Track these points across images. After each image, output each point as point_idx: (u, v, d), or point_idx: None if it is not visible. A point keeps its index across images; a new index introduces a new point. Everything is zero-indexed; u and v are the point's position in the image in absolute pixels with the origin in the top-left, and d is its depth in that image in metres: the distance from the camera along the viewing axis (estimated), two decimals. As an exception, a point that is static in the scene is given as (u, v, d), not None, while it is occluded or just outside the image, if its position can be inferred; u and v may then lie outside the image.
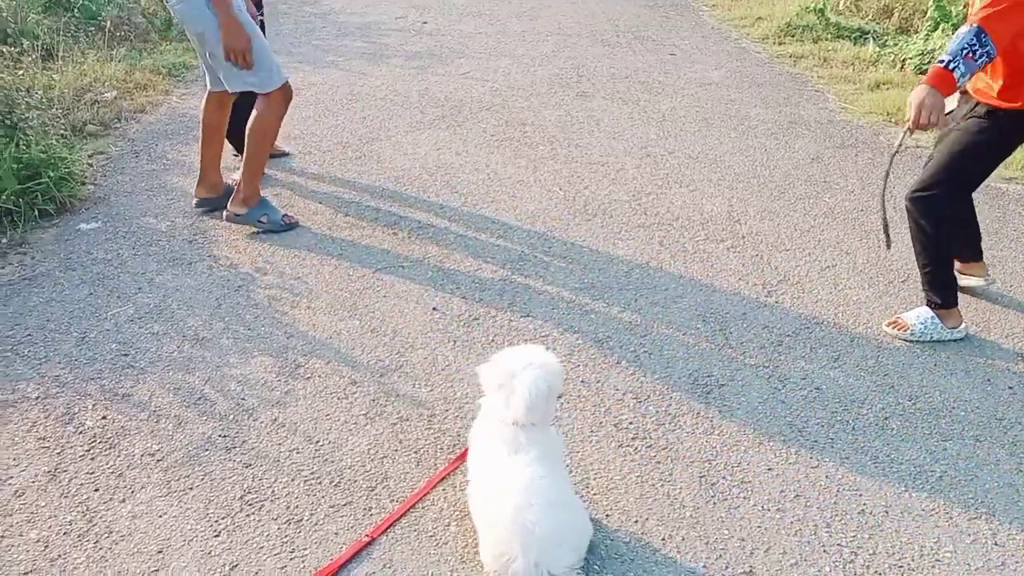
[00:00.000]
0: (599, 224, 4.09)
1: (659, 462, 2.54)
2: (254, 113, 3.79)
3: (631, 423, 2.71)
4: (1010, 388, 2.95)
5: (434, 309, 3.35)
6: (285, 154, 4.75)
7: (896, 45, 6.82)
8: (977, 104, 3.01)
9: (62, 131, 4.65)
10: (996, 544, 2.28)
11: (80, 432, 2.63)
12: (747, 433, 2.67)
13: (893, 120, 5.53)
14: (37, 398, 2.78)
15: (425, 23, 7.56)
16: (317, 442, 2.60)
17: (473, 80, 6.11)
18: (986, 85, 2.94)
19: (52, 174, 4.04)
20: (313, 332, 3.18)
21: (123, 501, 2.36)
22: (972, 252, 3.49)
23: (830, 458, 2.57)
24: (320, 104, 5.55)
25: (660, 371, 2.98)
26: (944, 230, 3.12)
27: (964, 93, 3.11)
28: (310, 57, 6.50)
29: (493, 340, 3.15)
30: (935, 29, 6.56)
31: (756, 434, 2.67)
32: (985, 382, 2.98)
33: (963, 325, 3.22)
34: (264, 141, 3.86)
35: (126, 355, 3.02)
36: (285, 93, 3.82)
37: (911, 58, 6.45)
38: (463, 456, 2.41)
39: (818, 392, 2.88)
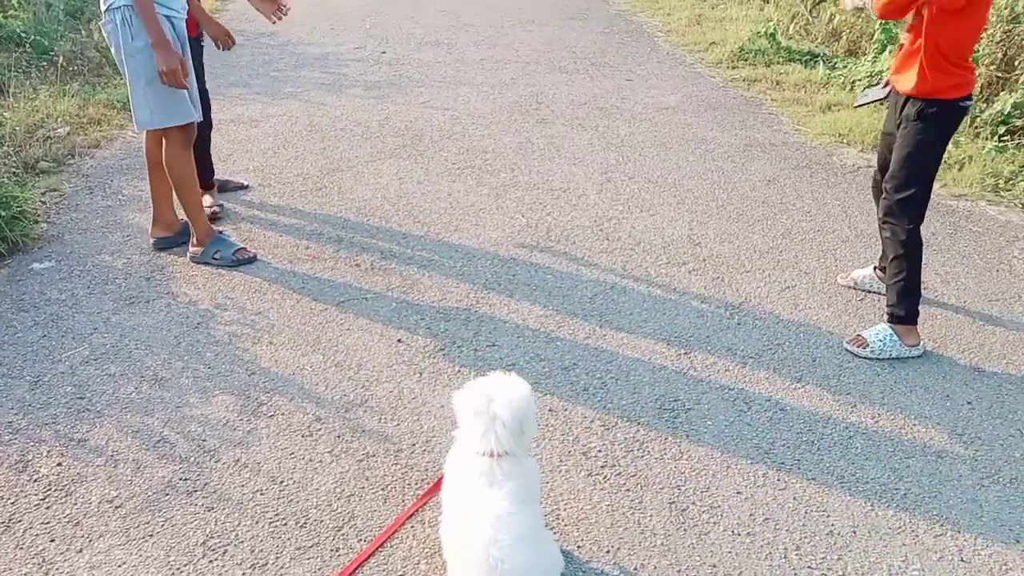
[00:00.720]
0: (562, 250, 4.11)
1: (628, 490, 2.53)
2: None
3: (599, 451, 2.71)
4: (968, 403, 3.01)
5: (399, 341, 3.33)
6: (243, 186, 4.70)
7: (845, 67, 6.99)
8: (908, 101, 3.13)
9: (14, 169, 4.56)
10: (962, 560, 2.31)
11: (35, 480, 2.55)
12: (715, 457, 2.68)
13: (845, 141, 5.66)
14: (-12, 446, 2.69)
15: (384, 52, 7.57)
16: (281, 482, 2.55)
17: (433, 109, 6.13)
18: (917, 82, 3.05)
19: (3, 213, 3.95)
20: (275, 368, 3.13)
21: (80, 551, 2.28)
22: None
23: (797, 479, 2.59)
24: (279, 135, 5.52)
25: (627, 397, 2.98)
26: (918, 233, 3.21)
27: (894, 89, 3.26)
28: (268, 88, 6.47)
29: (459, 371, 3.13)
30: (882, 51, 6.74)
31: (724, 458, 2.68)
32: (944, 398, 3.03)
33: (921, 343, 3.28)
34: (180, 180, 3.76)
35: (82, 398, 2.94)
36: (187, 132, 3.72)
37: (860, 80, 6.62)
38: (432, 490, 2.38)
39: (783, 413, 2.91)
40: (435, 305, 3.60)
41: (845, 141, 5.67)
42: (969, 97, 3.09)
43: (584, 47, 7.92)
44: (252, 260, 3.92)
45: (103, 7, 3.55)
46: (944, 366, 3.23)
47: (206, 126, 4.21)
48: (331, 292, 3.69)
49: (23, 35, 6.48)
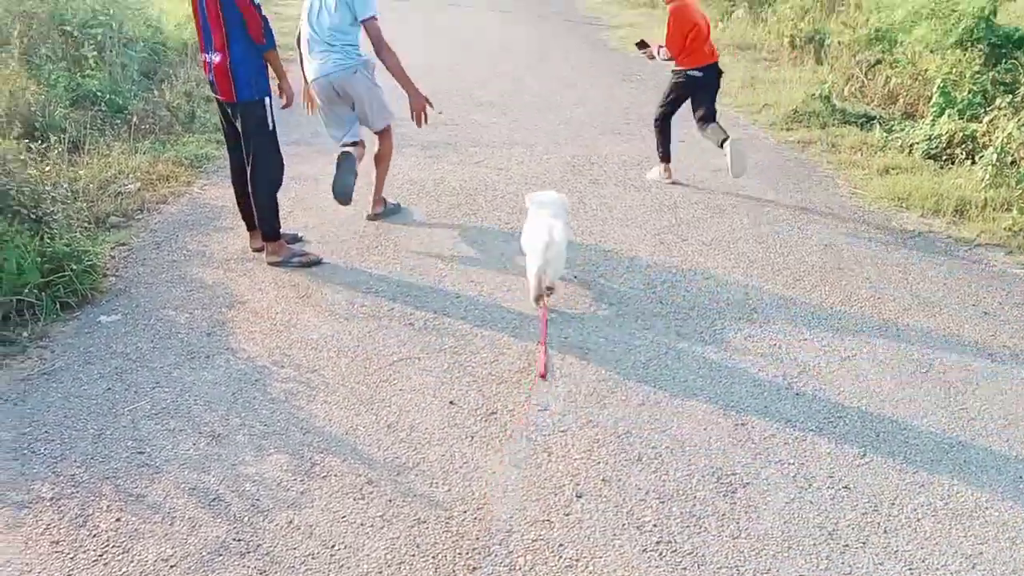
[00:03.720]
0: (615, 313, 4.09)
1: (685, 568, 2.47)
2: (378, 144, 5.23)
3: (654, 525, 2.65)
4: (1043, 485, 2.88)
5: (451, 403, 3.33)
6: (297, 238, 4.85)
7: (903, 130, 6.92)
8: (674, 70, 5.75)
9: (86, 223, 4.74)
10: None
11: (94, 535, 2.59)
12: (775, 537, 2.60)
13: (904, 205, 5.57)
14: (51, 499, 2.75)
15: (440, 113, 7.73)
16: (333, 546, 2.55)
17: (488, 169, 6.23)
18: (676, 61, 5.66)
19: (75, 267, 4.09)
20: (329, 428, 3.16)
21: (135, 611, 2.30)
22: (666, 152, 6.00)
23: (863, 564, 2.49)
24: (337, 193, 5.65)
25: (683, 468, 2.93)
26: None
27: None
28: (328, 146, 6.63)
29: (511, 436, 3.11)
30: (940, 114, 6.67)
31: (785, 537, 2.59)
32: (1017, 479, 2.90)
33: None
34: (388, 161, 5.29)
35: (142, 452, 3.00)
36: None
37: (919, 143, 6.54)
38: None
39: (846, 491, 2.82)
40: (488, 366, 3.60)
41: (904, 205, 5.58)
42: (697, 68, 5.73)
43: (637, 109, 7.99)
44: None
45: (343, 64, 4.78)
46: (1017, 445, 3.10)
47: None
48: (385, 350, 3.72)
49: (99, 94, 6.79)
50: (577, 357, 3.67)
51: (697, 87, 5.73)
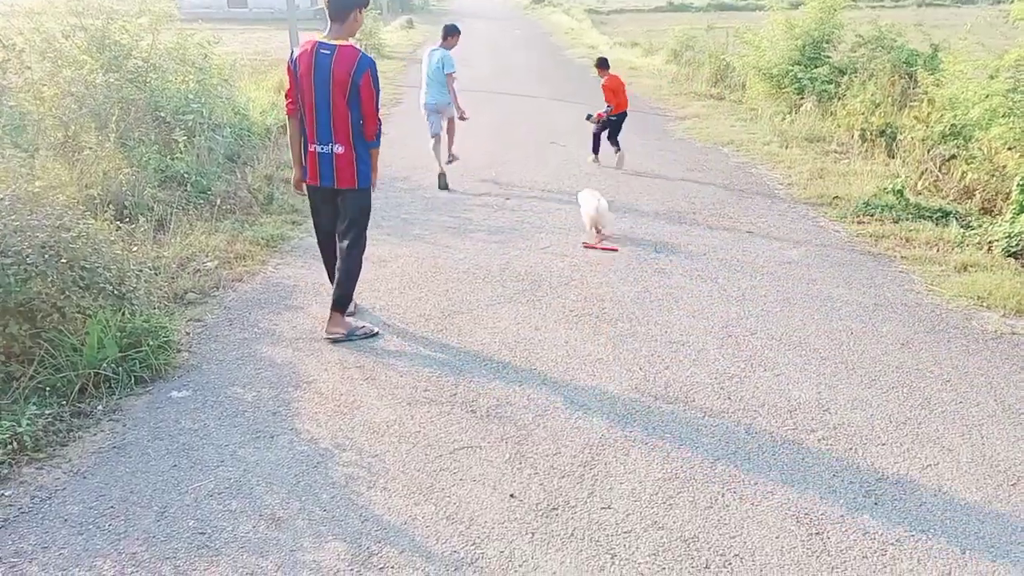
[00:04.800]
0: (681, 408, 3.99)
1: None
2: (447, 127, 8.53)
3: (723, 640, 2.50)
4: None
5: (511, 496, 3.26)
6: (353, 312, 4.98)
7: (980, 226, 6.74)
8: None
9: (165, 299, 4.92)
10: None
11: (150, 618, 2.58)
12: (854, 661, 2.43)
13: (985, 304, 5.37)
14: (112, 577, 2.76)
15: (507, 199, 7.90)
16: (388, 644, 2.48)
17: (553, 255, 6.27)
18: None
19: (152, 342, 4.23)
20: (388, 516, 3.12)
21: None
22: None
23: None
24: (405, 276, 5.76)
25: (753, 579, 2.78)
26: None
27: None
28: (398, 230, 6.82)
29: (573, 534, 3.02)
30: (1021, 212, 6.47)
31: (864, 663, 2.42)
32: (1124, 611, 2.67)
33: None
34: (453, 132, 8.57)
35: (203, 533, 3.01)
36: None
37: (998, 240, 6.35)
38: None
39: (932, 615, 2.63)
40: (549, 458, 3.54)
41: (985, 304, 5.38)
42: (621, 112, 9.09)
43: (703, 199, 8.00)
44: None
45: (435, 103, 8.21)
46: (1120, 572, 2.86)
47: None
48: (446, 438, 3.69)
49: (186, 175, 7.15)
50: (642, 454, 3.58)
51: (618, 122, 9.27)
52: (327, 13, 4.30)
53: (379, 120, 4.49)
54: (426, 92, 8.15)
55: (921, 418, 3.91)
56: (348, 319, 4.78)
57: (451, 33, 8.11)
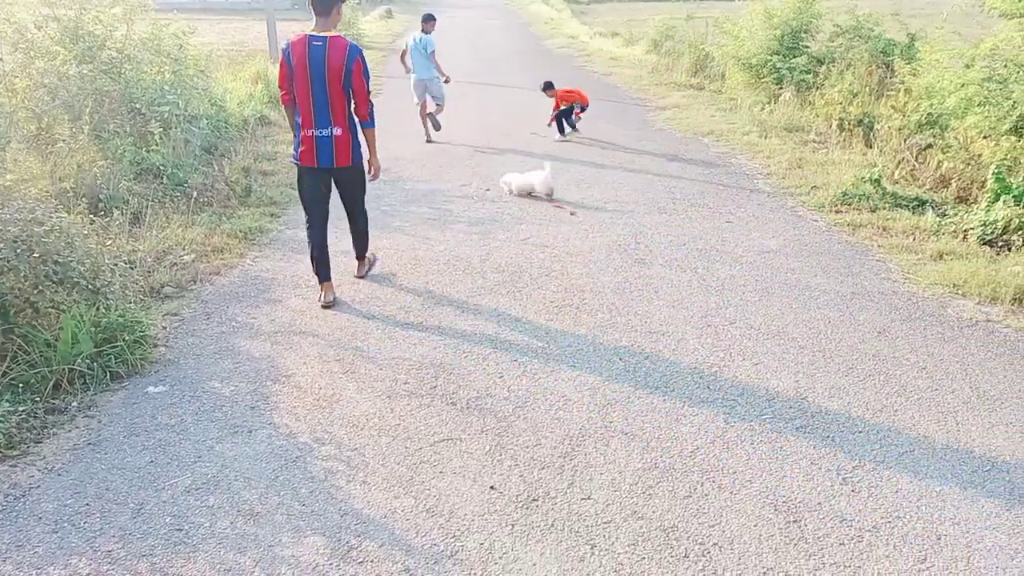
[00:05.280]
0: (660, 398, 4.01)
1: None
2: (430, 106, 9.87)
3: (702, 629, 2.52)
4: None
5: (491, 488, 3.26)
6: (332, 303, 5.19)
7: (956, 215, 6.80)
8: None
9: (141, 293, 4.86)
10: None
11: (127, 615, 2.56)
12: (831, 647, 2.45)
13: (960, 292, 5.43)
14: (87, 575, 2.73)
15: (488, 190, 7.87)
16: (367, 638, 2.47)
17: (533, 246, 6.26)
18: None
19: (127, 337, 4.18)
20: (367, 510, 3.11)
21: None
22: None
23: None
24: (385, 268, 5.73)
25: (732, 568, 2.80)
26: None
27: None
28: (377, 222, 6.75)
29: (553, 525, 3.03)
30: (996, 200, 6.54)
31: (841, 648, 2.45)
32: (1094, 593, 2.71)
33: None
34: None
35: (180, 530, 2.98)
36: None
37: (973, 228, 6.41)
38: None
39: (907, 601, 2.66)
40: (529, 450, 3.54)
41: (960, 292, 5.43)
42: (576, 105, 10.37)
43: (683, 188, 8.02)
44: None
45: (420, 78, 9.75)
46: (1091, 554, 2.91)
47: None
48: (426, 430, 3.69)
49: (162, 168, 7.07)
50: (621, 444, 3.59)
51: (569, 112, 10.37)
52: (312, 9, 4.66)
53: (370, 102, 4.81)
54: (413, 71, 9.88)
55: (897, 405, 3.95)
56: (367, 257, 5.54)
57: (428, 20, 9.95)
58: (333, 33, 4.68)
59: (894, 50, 11.21)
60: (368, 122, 4.86)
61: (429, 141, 9.90)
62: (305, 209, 5.05)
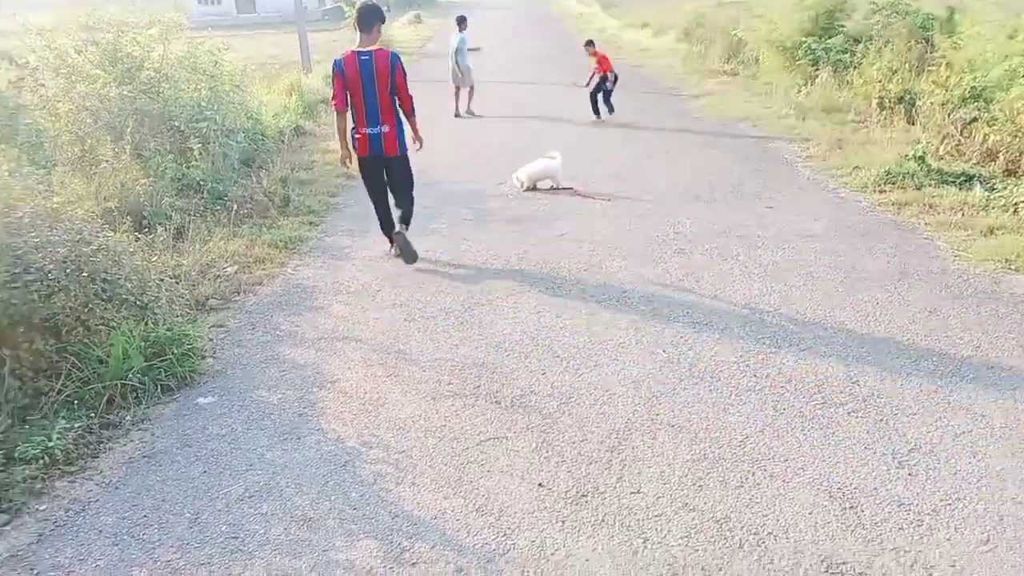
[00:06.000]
0: (707, 388, 3.96)
1: (795, 670, 2.29)
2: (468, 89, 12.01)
3: (759, 620, 2.48)
4: None
5: (540, 485, 3.25)
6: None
7: (1005, 188, 6.60)
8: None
9: (187, 307, 4.95)
10: None
11: (188, 622, 2.60)
12: (894, 635, 2.39)
13: (1013, 267, 5.26)
14: (149, 584, 2.79)
15: (501, 184, 7.87)
16: (423, 638, 2.48)
17: (571, 241, 6.24)
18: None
19: (176, 350, 4.26)
20: (418, 512, 3.12)
21: None
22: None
23: (997, 669, 2.26)
24: (424, 270, 5.75)
25: (788, 557, 2.75)
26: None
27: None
28: (416, 224, 6.76)
29: (604, 520, 3.00)
30: (1047, 171, 6.34)
31: (905, 637, 2.39)
32: None
33: None
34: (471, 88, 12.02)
35: (235, 538, 3.03)
36: None
37: (1023, 201, 6.22)
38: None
39: (972, 586, 2.58)
40: (576, 445, 3.52)
41: (1013, 267, 5.27)
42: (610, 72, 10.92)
43: (721, 176, 7.91)
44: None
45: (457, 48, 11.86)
46: None
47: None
48: (472, 430, 3.69)
49: (202, 183, 7.20)
50: (669, 436, 3.55)
51: (607, 83, 10.89)
52: (357, 28, 5.53)
53: (411, 96, 5.67)
54: (452, 62, 11.97)
55: (952, 386, 3.85)
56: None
57: (461, 21, 12.21)
58: (376, 47, 5.48)
59: (933, 24, 10.92)
60: (411, 112, 5.74)
61: (469, 114, 12.01)
62: (368, 189, 5.89)
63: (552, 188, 7.67)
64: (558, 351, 4.44)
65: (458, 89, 12.00)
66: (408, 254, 5.77)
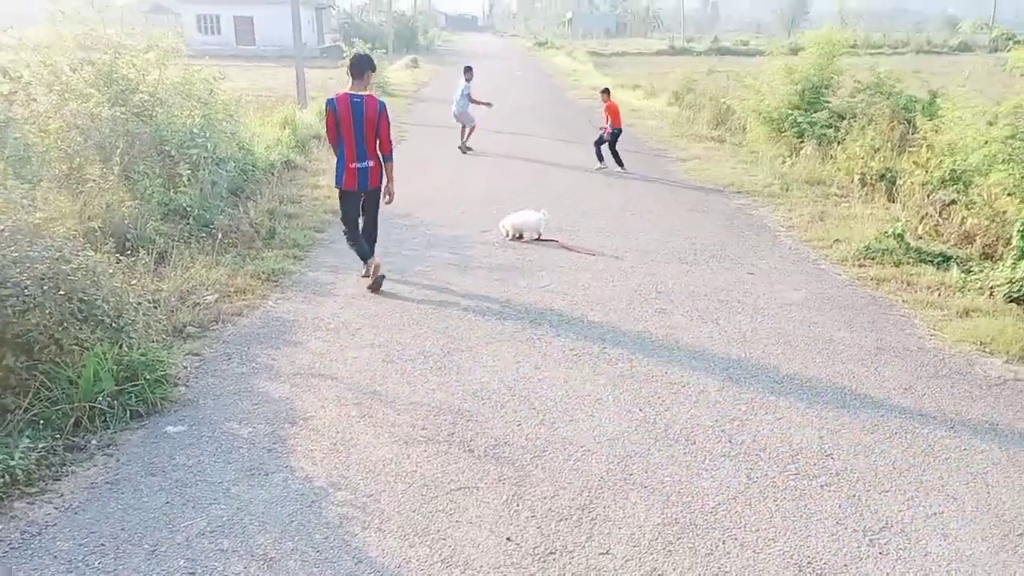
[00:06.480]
0: (681, 451, 3.95)
1: None
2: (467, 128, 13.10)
3: None
4: None
5: (508, 539, 3.21)
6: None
7: (981, 271, 6.73)
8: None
9: (163, 333, 4.89)
10: None
11: (136, 661, 2.51)
12: None
13: (987, 350, 5.34)
14: (99, 617, 2.70)
15: (485, 232, 7.91)
16: None
17: (553, 293, 6.26)
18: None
19: (148, 376, 4.20)
20: (382, 558, 3.06)
21: None
22: None
23: None
24: (405, 313, 5.74)
25: (754, 630, 2.72)
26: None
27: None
28: (399, 266, 6.81)
29: (571, 580, 2.96)
30: (1022, 257, 6.48)
31: None
32: None
33: None
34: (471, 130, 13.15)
35: (193, 573, 2.95)
36: None
37: (1000, 285, 6.33)
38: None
39: (939, 671, 2.56)
40: (547, 501, 3.48)
41: (988, 350, 5.34)
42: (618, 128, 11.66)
43: (704, 239, 8.01)
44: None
45: (457, 111, 13.21)
46: None
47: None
48: (443, 478, 3.64)
49: (189, 209, 7.18)
50: (641, 497, 3.52)
51: (616, 137, 11.52)
52: (350, 74, 6.04)
53: (391, 142, 6.19)
54: (454, 104, 13.26)
55: (925, 465, 3.86)
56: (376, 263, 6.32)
57: (467, 71, 13.56)
58: (367, 92, 6.03)
59: (916, 106, 11.25)
60: (388, 157, 6.19)
61: (464, 150, 12.98)
62: (345, 220, 6.28)
63: (537, 239, 7.72)
64: (535, 403, 4.42)
65: (463, 127, 13.14)
66: (378, 282, 6.19)
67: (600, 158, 11.58)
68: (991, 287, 6.39)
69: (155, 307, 5.08)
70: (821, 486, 3.65)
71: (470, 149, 12.97)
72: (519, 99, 21.45)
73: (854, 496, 3.57)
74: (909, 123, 10.92)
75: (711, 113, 15.71)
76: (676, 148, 13.83)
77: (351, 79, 6.02)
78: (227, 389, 4.48)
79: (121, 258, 5.25)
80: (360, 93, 5.98)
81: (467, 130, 13.14)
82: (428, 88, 24.28)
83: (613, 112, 11.47)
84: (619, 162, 11.50)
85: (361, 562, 3.03)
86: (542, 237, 7.77)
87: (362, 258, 6.36)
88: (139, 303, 4.69)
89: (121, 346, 4.25)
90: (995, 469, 3.84)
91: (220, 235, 6.88)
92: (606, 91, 11.88)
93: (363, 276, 6.39)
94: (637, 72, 27.53)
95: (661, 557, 3.11)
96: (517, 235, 7.81)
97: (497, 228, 7.97)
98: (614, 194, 10.09)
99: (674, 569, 3.04)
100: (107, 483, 3.52)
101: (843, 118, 11.85)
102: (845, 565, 3.09)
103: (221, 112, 9.06)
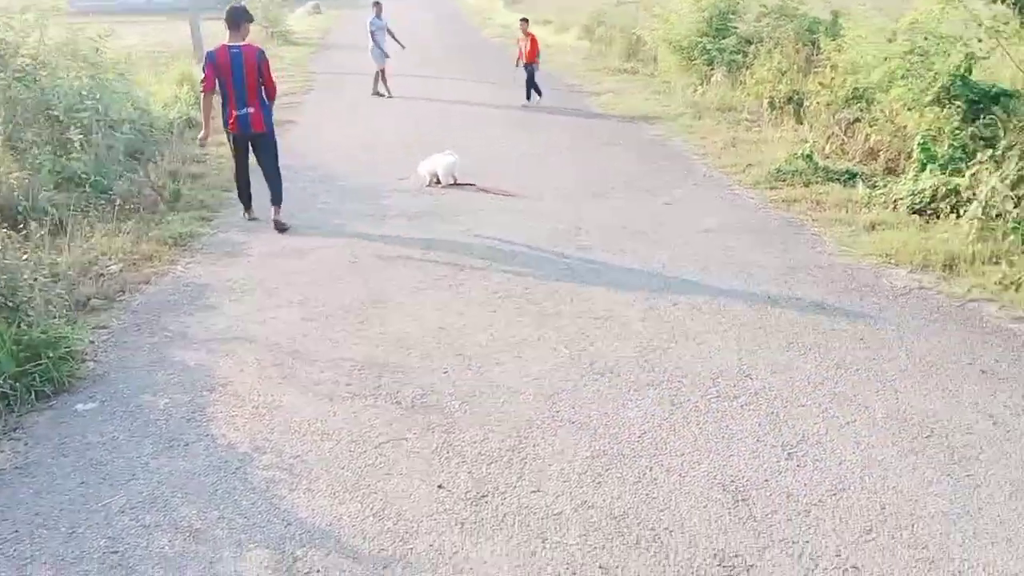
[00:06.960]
0: (607, 384, 4.00)
1: (690, 662, 2.32)
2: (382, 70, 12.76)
3: (656, 615, 2.51)
4: (1059, 555, 2.76)
5: (439, 487, 3.21)
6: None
7: (886, 186, 6.96)
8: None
9: (66, 308, 4.64)
10: None
11: (60, 648, 2.43)
12: (783, 623, 2.46)
13: (893, 261, 5.55)
14: (17, 608, 2.60)
15: (403, 179, 7.78)
16: (316, 651, 2.39)
17: (473, 237, 6.20)
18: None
19: (51, 354, 3.99)
20: (312, 519, 3.02)
21: None
22: None
23: (876, 650, 2.36)
24: (323, 268, 5.60)
25: (683, 551, 2.80)
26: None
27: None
28: (315, 221, 6.63)
29: (503, 520, 2.98)
30: (923, 169, 6.71)
31: (792, 624, 2.46)
32: (1031, 550, 2.79)
33: None
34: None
35: (115, 552, 2.86)
36: None
37: (903, 198, 6.56)
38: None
39: (855, 571, 2.69)
40: (477, 445, 3.49)
41: (893, 261, 5.55)
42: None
43: (621, 172, 8.04)
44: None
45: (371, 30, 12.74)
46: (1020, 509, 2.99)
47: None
48: (370, 432, 3.61)
49: (84, 176, 6.77)
50: (569, 433, 3.56)
51: (535, 71, 11.60)
52: (227, 26, 6.26)
53: (274, 84, 6.50)
54: (372, 44, 12.73)
55: (838, 377, 4.01)
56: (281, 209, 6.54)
57: (375, 5, 12.98)
58: (244, 43, 6.28)
59: (819, 28, 11.39)
60: (273, 100, 6.56)
61: (376, 94, 12.69)
62: (235, 161, 6.53)
63: (454, 183, 7.59)
64: (460, 349, 4.39)
65: (377, 72, 12.75)
66: (281, 228, 6.44)
67: (528, 95, 11.67)
68: (895, 200, 6.62)
69: (54, 281, 4.81)
70: (741, 406, 3.76)
71: (387, 95, 12.64)
72: (431, 41, 20.92)
73: (772, 413, 3.69)
74: (814, 44, 11.08)
75: (622, 45, 15.64)
76: (590, 82, 13.75)
77: (228, 31, 6.28)
78: (139, 361, 4.31)
79: (12, 233, 4.94)
80: (238, 44, 6.24)
81: (381, 74, 12.74)
82: (333, 35, 23.42)
83: (534, 43, 11.61)
84: (538, 92, 11.69)
85: (291, 524, 2.99)
86: (459, 181, 7.58)
87: (243, 205, 6.72)
88: (35, 279, 4.43)
89: (19, 325, 4.02)
90: (902, 376, 4.01)
91: (120, 201, 6.53)
92: (524, 20, 12.06)
93: (248, 220, 6.70)
94: (547, 7, 27.11)
95: (591, 489, 3.16)
96: (435, 180, 7.66)
97: (415, 175, 7.80)
98: (531, 132, 9.99)
99: (604, 500, 3.09)
100: (16, 468, 3.36)
101: (751, 43, 11.93)
102: (766, 480, 3.20)
103: (111, 72, 8.54)
